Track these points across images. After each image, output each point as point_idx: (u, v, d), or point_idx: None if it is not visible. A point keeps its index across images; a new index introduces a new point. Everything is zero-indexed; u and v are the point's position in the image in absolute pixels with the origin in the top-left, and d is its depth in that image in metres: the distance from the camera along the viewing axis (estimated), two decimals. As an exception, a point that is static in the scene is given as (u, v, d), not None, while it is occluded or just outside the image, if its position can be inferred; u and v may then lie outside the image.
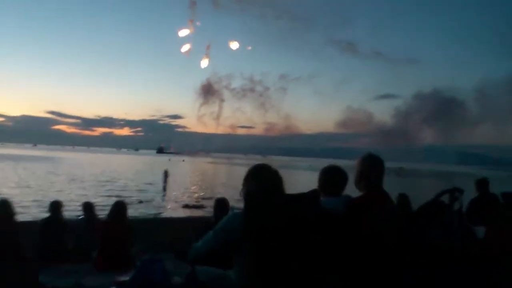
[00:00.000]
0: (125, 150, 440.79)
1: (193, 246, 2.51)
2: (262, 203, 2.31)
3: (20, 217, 6.48)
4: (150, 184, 35.56)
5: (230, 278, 2.51)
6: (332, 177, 2.86)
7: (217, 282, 2.62)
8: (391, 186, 3.69)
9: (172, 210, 20.99)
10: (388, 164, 3.03)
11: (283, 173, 2.62)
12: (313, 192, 2.46)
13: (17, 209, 5.84)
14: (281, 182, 2.47)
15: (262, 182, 2.43)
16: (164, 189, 32.23)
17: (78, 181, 34.03)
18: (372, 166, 2.74)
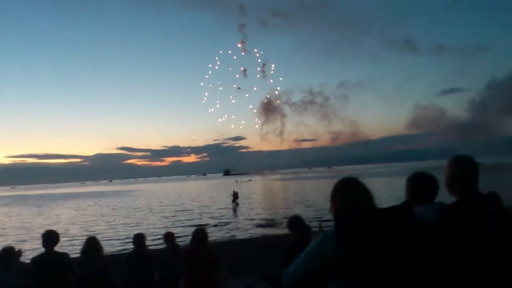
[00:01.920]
0: (194, 176, 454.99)
1: (286, 270, 2.39)
2: (355, 221, 2.13)
3: (107, 252, 6.78)
4: (221, 207, 36.21)
5: None
6: (422, 184, 2.64)
7: None
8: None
9: (246, 231, 21.08)
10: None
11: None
12: (406, 204, 2.26)
13: (104, 244, 6.12)
14: (371, 196, 2.31)
15: (352, 198, 2.28)
16: (235, 210, 32.63)
17: (154, 212, 35.42)
18: (464, 167, 2.46)
